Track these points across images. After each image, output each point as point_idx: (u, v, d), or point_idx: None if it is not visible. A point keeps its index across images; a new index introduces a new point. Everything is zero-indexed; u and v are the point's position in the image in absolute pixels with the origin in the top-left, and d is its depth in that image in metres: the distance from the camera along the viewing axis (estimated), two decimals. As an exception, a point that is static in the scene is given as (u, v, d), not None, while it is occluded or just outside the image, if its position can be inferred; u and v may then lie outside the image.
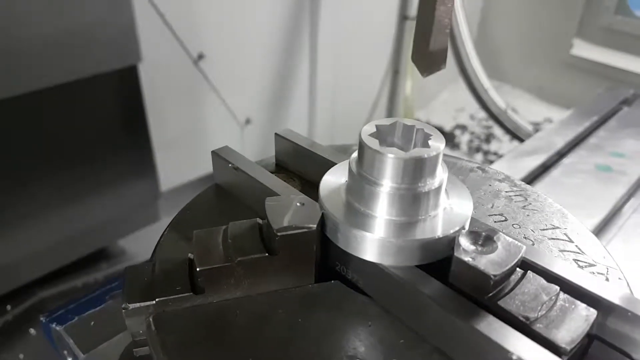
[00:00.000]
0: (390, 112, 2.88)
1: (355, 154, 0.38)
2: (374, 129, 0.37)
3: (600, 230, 0.87)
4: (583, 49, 2.95)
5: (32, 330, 1.59)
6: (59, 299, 1.68)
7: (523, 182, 0.50)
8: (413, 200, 0.35)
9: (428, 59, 0.31)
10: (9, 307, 1.65)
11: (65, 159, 1.53)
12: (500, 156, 2.68)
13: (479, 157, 2.85)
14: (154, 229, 1.84)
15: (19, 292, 1.63)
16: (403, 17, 2.61)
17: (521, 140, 2.48)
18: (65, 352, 0.56)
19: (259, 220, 0.38)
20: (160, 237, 0.43)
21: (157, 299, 0.35)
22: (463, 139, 3.01)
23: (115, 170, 1.66)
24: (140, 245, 1.91)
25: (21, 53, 1.29)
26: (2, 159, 1.40)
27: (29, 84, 1.34)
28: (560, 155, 1.07)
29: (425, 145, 0.35)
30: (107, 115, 1.58)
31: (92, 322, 0.54)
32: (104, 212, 1.69)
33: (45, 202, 1.53)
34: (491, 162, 2.70)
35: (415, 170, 0.34)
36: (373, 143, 0.35)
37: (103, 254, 1.86)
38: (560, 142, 1.09)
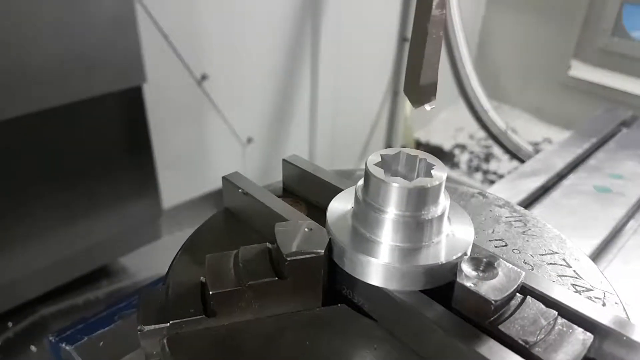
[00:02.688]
0: (390, 132, 2.91)
1: (361, 182, 0.39)
2: (379, 159, 0.38)
3: (600, 251, 0.88)
4: (581, 70, 2.99)
5: (32, 348, 1.59)
6: (60, 317, 1.69)
7: (522, 208, 0.52)
8: (417, 227, 0.37)
9: (419, 92, 0.34)
10: (10, 324, 1.65)
11: (68, 178, 1.54)
12: (499, 175, 2.69)
13: (478, 176, 2.86)
14: (155, 246, 1.85)
15: (21, 310, 1.63)
16: (403, 39, 2.66)
17: (520, 160, 2.50)
18: (74, 371, 0.56)
19: (269, 245, 0.40)
20: (173, 260, 0.45)
21: (171, 322, 0.36)
22: (462, 158, 3.03)
23: (118, 189, 1.67)
24: (141, 262, 1.91)
25: (28, 74, 1.31)
26: (6, 177, 1.42)
27: (36, 103, 1.36)
28: (560, 176, 1.08)
29: (428, 174, 0.37)
30: (111, 135, 1.60)
31: (102, 342, 0.55)
32: (105, 230, 1.70)
33: (47, 220, 1.54)
34: (491, 182, 2.72)
35: (419, 199, 0.36)
36: (378, 172, 0.37)
37: (104, 271, 1.87)
38: (559, 164, 1.11)
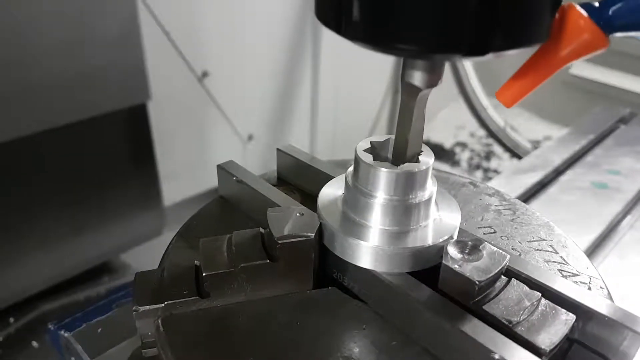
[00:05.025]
0: (390, 130, 2.91)
1: (351, 168, 0.40)
2: (369, 145, 0.39)
3: (596, 246, 0.89)
4: (581, 68, 2.99)
5: (34, 343, 1.60)
6: (62, 312, 1.69)
7: (512, 197, 0.53)
8: (405, 211, 0.38)
9: (405, 160, 0.38)
10: (11, 319, 1.66)
11: (72, 190, 1.54)
12: (500, 173, 2.69)
13: (479, 174, 2.87)
14: (156, 243, 1.86)
15: (22, 305, 1.64)
16: (404, 37, 2.66)
17: (519, 157, 2.51)
18: (73, 358, 0.58)
19: (261, 230, 0.41)
20: (168, 245, 0.46)
21: (165, 302, 0.37)
22: (463, 156, 3.03)
23: (121, 201, 1.68)
24: (142, 258, 1.92)
25: (34, 93, 1.30)
26: (14, 190, 1.42)
27: (42, 123, 1.35)
28: (558, 172, 1.09)
29: (416, 160, 0.38)
30: (115, 150, 1.60)
31: (100, 329, 0.57)
32: (110, 240, 1.72)
33: (51, 233, 1.55)
34: (490, 179, 2.72)
35: (407, 183, 0.37)
36: (367, 158, 0.38)
37: (105, 267, 1.88)
38: (557, 160, 1.11)
